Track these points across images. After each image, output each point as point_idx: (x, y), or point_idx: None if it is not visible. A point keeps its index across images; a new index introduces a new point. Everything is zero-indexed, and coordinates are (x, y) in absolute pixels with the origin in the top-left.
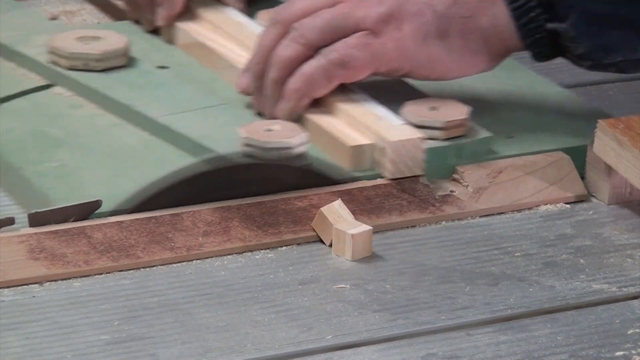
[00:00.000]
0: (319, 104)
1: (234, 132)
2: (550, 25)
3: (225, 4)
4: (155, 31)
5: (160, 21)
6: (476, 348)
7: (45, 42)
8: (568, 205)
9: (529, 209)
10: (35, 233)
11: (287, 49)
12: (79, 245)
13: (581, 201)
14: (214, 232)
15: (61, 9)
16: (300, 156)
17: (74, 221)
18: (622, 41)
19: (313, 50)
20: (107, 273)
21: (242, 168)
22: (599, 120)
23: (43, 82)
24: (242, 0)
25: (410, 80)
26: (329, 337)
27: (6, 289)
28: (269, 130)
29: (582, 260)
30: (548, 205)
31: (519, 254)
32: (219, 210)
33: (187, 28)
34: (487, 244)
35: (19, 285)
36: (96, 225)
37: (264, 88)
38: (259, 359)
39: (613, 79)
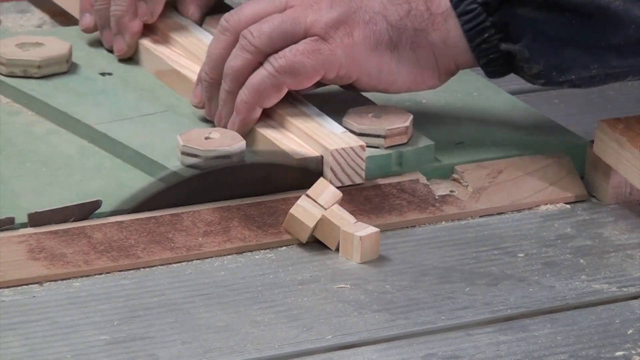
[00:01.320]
0: (266, 115)
1: (174, 140)
2: (504, 46)
3: (184, 15)
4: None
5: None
6: (476, 348)
7: None
8: (568, 205)
9: (529, 209)
10: (35, 233)
11: (236, 59)
12: (79, 245)
13: (581, 201)
14: (214, 232)
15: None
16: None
17: (74, 221)
18: (575, 60)
19: (263, 57)
20: (107, 273)
21: (242, 168)
22: (598, 120)
23: None
24: (199, 11)
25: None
26: (329, 337)
27: (6, 289)
28: (208, 137)
29: (582, 260)
30: (548, 205)
31: (519, 254)
32: (219, 210)
33: (161, 54)
34: (487, 244)
35: (19, 285)
36: (96, 225)
37: (219, 100)
38: (259, 359)
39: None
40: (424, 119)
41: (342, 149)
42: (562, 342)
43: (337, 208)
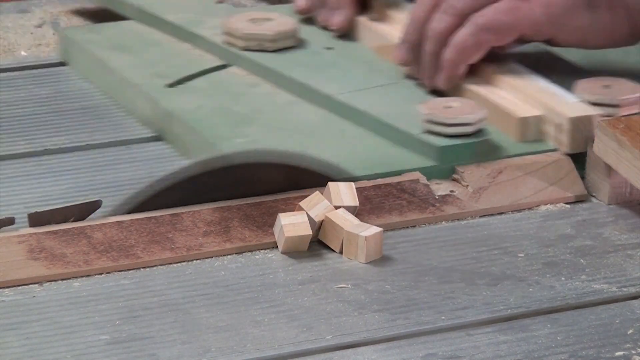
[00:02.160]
0: (483, 76)
1: (412, 109)
2: None
3: None
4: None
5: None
6: (476, 348)
7: (216, 24)
8: (568, 205)
9: (529, 209)
10: (35, 233)
11: (439, 22)
12: (79, 245)
13: (581, 201)
14: (214, 232)
15: (60, 9)
16: (479, 132)
17: (74, 221)
18: None
19: (464, 18)
20: (107, 273)
21: (242, 168)
22: (599, 120)
23: (219, 62)
24: None
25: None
26: (329, 337)
27: (6, 289)
28: (449, 107)
29: (582, 260)
30: (548, 205)
31: (519, 254)
32: (219, 210)
33: (382, 30)
34: (487, 244)
35: (19, 285)
36: (96, 225)
37: (422, 60)
38: (259, 359)
39: None
40: None
41: (582, 117)
42: (562, 342)
43: (341, 210)
